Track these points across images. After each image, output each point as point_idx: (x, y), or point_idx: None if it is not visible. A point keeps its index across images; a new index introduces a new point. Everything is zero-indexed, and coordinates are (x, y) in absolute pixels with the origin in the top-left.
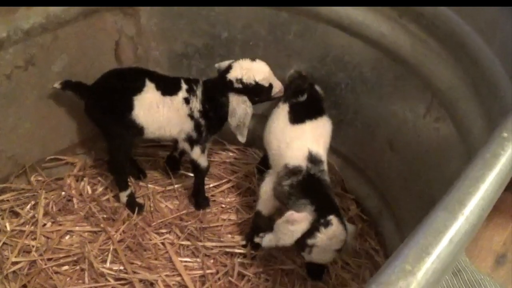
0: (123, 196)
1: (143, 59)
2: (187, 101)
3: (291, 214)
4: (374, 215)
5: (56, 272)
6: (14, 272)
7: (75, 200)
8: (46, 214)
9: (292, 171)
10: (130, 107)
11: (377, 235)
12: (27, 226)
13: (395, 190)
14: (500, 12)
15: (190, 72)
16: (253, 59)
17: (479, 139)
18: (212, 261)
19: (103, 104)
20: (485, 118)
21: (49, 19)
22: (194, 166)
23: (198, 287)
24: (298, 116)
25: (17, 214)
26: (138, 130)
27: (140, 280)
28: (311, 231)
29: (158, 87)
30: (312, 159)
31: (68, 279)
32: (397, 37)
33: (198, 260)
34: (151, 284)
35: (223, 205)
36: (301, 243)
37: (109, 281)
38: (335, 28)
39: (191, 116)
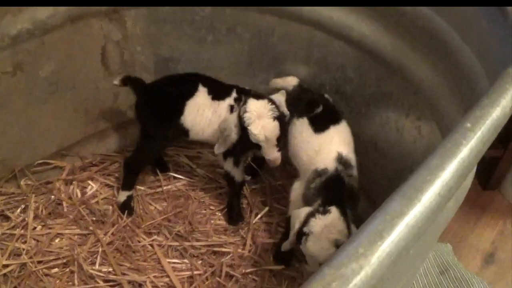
0: (123, 195)
1: (129, 63)
2: (231, 108)
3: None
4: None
5: (46, 275)
6: (5, 274)
7: (64, 204)
8: (36, 217)
9: (319, 173)
10: (180, 111)
11: None
12: (17, 230)
13: (380, 189)
14: (475, 11)
15: None
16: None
17: None
18: (200, 261)
19: (155, 105)
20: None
21: (36, 25)
22: (227, 178)
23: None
24: (321, 124)
25: (7, 218)
26: (184, 133)
27: (129, 282)
28: (307, 219)
29: (210, 92)
30: (343, 160)
31: (58, 281)
32: (378, 38)
33: (186, 261)
34: (140, 285)
35: (212, 207)
36: (299, 233)
37: (98, 282)
38: (317, 30)
39: None
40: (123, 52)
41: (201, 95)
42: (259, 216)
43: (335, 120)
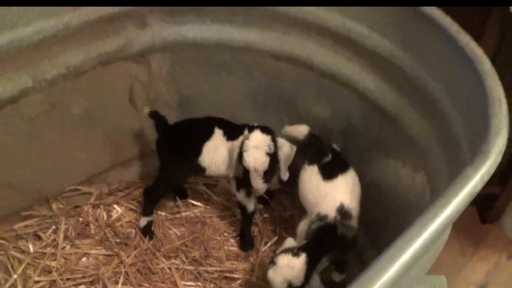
0: (144, 221)
1: (154, 100)
2: None
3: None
4: (359, 247)
5: None
6: None
7: (91, 226)
8: (65, 238)
9: (320, 218)
10: (198, 152)
11: (361, 263)
12: (48, 249)
13: (378, 226)
14: (465, 72)
15: (198, 112)
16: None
17: None
18: (212, 285)
19: (175, 146)
20: (449, 176)
21: (70, 70)
22: (240, 207)
23: None
24: (329, 172)
25: (39, 238)
26: (201, 170)
27: None
28: (282, 251)
29: (225, 133)
30: (342, 211)
31: None
32: (380, 92)
33: (200, 284)
34: None
35: (226, 234)
36: (271, 259)
37: None
38: (326, 79)
39: None
40: (149, 90)
41: (217, 137)
42: (268, 244)
43: (342, 170)
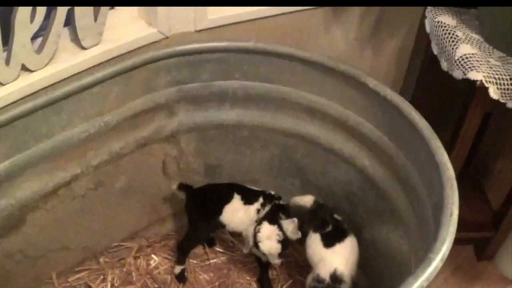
0: (178, 269)
1: (184, 170)
2: (258, 211)
3: None
4: None
5: None
6: None
7: (133, 274)
8: (112, 286)
9: (318, 280)
10: (220, 212)
11: None
12: None
13: (377, 277)
14: (433, 174)
15: (222, 176)
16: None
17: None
18: None
19: (200, 207)
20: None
21: (111, 156)
22: (257, 259)
23: None
24: (329, 241)
25: (90, 287)
26: (222, 226)
27: None
28: None
29: (242, 198)
30: (334, 277)
31: None
32: (373, 169)
33: None
34: None
35: (248, 278)
36: None
37: None
38: (331, 154)
39: (257, 222)
40: (179, 163)
41: (236, 201)
42: (284, 286)
43: (340, 238)
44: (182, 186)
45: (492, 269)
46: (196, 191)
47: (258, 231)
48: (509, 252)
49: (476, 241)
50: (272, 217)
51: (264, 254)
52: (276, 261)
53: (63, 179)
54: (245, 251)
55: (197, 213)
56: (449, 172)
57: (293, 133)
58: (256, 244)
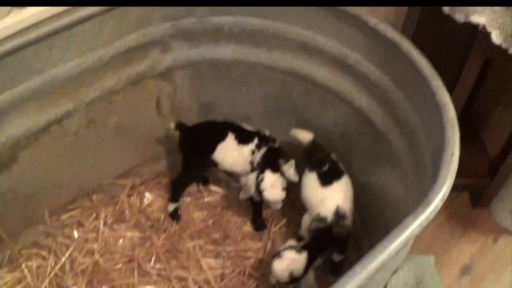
0: (172, 206)
1: (178, 108)
2: (252, 152)
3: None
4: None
5: (113, 270)
6: (81, 270)
7: (127, 212)
8: (104, 224)
9: (319, 219)
10: (213, 150)
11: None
12: (90, 234)
13: (373, 221)
14: (434, 115)
15: (217, 115)
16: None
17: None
18: (230, 262)
19: (194, 144)
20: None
21: (104, 92)
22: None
23: (218, 283)
24: (326, 180)
25: (82, 225)
26: (215, 165)
27: (175, 277)
28: (288, 247)
29: (236, 137)
30: (339, 214)
31: (122, 275)
32: (371, 109)
33: (220, 261)
34: (183, 279)
35: (242, 216)
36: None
37: (152, 277)
38: (328, 93)
39: (251, 163)
40: (174, 100)
41: (230, 140)
42: (278, 226)
43: (337, 177)
44: (178, 126)
45: (486, 217)
46: (190, 129)
47: (262, 180)
48: (504, 201)
49: (471, 188)
50: (274, 165)
51: (267, 201)
52: (278, 206)
53: (55, 115)
54: (243, 197)
55: (191, 151)
56: (450, 112)
57: (290, 71)
58: (259, 192)
